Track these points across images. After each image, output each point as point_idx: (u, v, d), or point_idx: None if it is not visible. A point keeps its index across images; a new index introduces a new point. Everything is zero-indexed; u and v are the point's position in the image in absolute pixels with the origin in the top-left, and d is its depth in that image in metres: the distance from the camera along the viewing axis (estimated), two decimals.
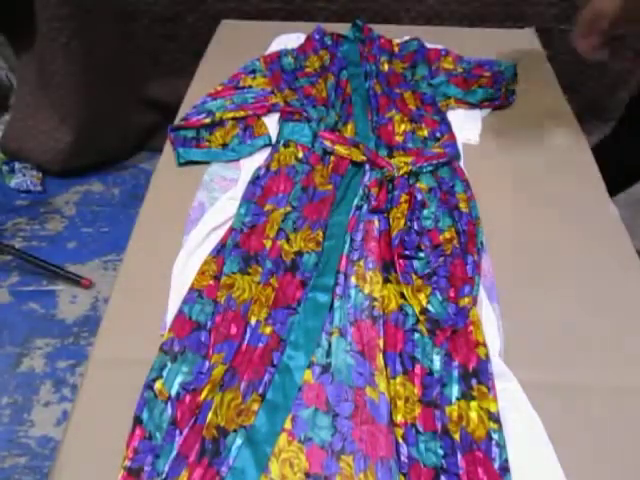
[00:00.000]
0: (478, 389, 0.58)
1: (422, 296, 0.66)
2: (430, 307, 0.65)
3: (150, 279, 0.70)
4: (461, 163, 0.85)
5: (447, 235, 0.72)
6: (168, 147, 0.89)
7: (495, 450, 0.54)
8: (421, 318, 0.64)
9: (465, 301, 0.65)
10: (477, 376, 0.59)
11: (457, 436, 0.55)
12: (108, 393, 0.59)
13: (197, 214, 0.77)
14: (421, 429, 0.56)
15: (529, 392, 0.58)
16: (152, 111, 1.63)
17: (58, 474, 0.54)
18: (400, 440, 0.54)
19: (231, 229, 0.73)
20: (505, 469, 0.52)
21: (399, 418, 0.56)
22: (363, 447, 0.54)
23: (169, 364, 0.60)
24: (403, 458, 0.53)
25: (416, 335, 0.63)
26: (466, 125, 0.93)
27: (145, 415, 0.56)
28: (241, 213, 0.75)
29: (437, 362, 0.61)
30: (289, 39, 1.12)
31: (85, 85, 1.46)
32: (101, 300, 1.35)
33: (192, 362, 0.61)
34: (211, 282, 0.68)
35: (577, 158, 0.88)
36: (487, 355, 0.60)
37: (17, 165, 1.61)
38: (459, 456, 0.54)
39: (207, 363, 0.60)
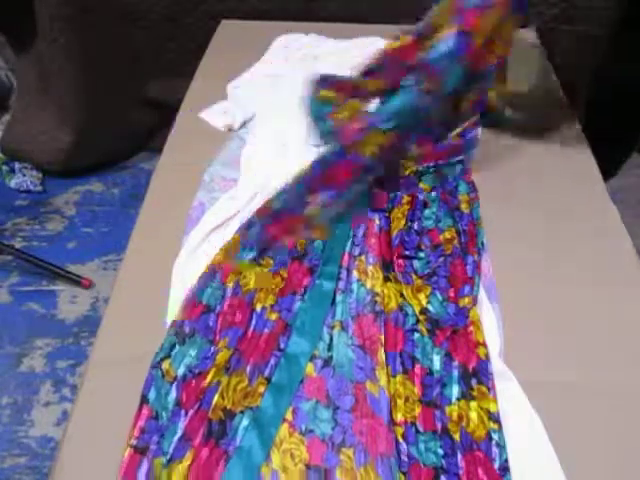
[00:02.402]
0: (478, 389, 0.58)
1: (422, 296, 0.66)
2: (430, 307, 0.65)
3: (150, 279, 0.70)
4: (473, 155, 0.84)
5: (447, 235, 0.72)
6: (168, 147, 0.89)
7: (495, 450, 0.54)
8: (421, 318, 0.64)
9: (465, 301, 0.65)
10: (477, 376, 0.59)
11: (457, 436, 0.55)
12: (108, 393, 0.59)
13: (197, 214, 0.77)
14: (421, 429, 0.56)
15: (529, 392, 0.58)
16: (152, 111, 1.62)
17: (58, 474, 0.54)
18: (400, 439, 0.55)
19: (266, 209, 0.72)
20: (505, 469, 0.52)
21: (399, 417, 0.56)
22: (363, 440, 0.54)
23: (177, 346, 0.61)
24: (403, 457, 0.53)
25: (416, 335, 0.63)
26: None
27: (152, 394, 0.57)
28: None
29: (437, 362, 0.61)
30: (289, 39, 1.12)
31: (85, 85, 1.46)
32: (101, 300, 1.34)
33: (199, 346, 0.61)
34: (228, 262, 0.68)
35: (577, 158, 0.88)
36: (487, 355, 0.60)
37: (17, 165, 1.61)
38: (459, 456, 0.54)
39: (213, 348, 0.61)
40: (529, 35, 1.16)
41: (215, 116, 0.95)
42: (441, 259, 0.70)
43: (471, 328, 0.63)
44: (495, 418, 0.56)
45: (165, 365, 0.59)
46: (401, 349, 0.62)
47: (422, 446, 0.54)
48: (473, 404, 0.57)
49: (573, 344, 0.64)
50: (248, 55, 1.06)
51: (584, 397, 0.59)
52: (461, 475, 0.53)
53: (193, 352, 0.61)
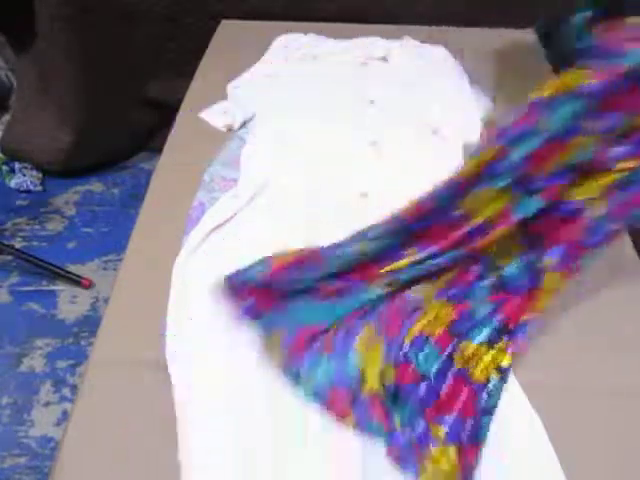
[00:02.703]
0: (504, 343, 0.59)
1: (507, 255, 0.64)
2: (506, 270, 0.63)
3: (150, 279, 0.70)
4: None
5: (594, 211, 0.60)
6: (168, 147, 0.89)
7: (484, 395, 0.55)
8: (492, 274, 0.64)
9: (546, 261, 0.61)
10: (510, 333, 0.59)
11: (459, 366, 0.56)
12: (108, 393, 0.59)
13: (197, 214, 0.77)
14: (432, 343, 0.58)
15: (529, 392, 0.58)
16: (152, 111, 1.62)
17: (58, 474, 0.54)
18: (407, 342, 0.57)
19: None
20: (486, 412, 0.54)
21: (416, 329, 0.58)
22: (383, 320, 0.59)
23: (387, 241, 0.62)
24: (400, 357, 0.56)
25: (480, 284, 0.63)
26: (466, 125, 0.93)
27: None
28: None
29: (484, 310, 0.61)
30: (289, 39, 1.12)
31: (85, 85, 1.46)
32: (101, 300, 1.35)
33: (394, 248, 0.62)
34: (474, 170, 0.59)
35: None
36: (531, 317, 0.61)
37: (17, 165, 1.61)
38: (449, 378, 0.55)
39: (404, 252, 0.62)
40: (529, 35, 1.16)
41: (215, 116, 0.95)
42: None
43: (536, 294, 0.61)
44: (502, 370, 0.56)
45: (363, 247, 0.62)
46: (464, 286, 0.63)
47: (422, 355, 0.57)
48: (491, 353, 0.58)
49: (573, 344, 0.64)
50: (248, 55, 1.06)
51: (584, 397, 0.59)
52: (441, 394, 0.54)
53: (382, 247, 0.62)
